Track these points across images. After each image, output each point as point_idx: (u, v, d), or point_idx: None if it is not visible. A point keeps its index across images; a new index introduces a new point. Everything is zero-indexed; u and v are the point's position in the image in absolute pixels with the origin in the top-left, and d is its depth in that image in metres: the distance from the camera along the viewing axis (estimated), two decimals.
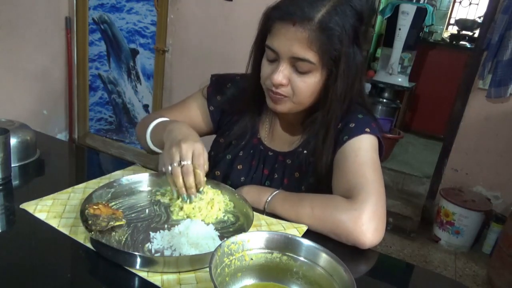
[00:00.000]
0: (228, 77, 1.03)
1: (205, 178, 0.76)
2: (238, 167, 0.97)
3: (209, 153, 1.04)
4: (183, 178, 0.73)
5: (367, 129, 0.85)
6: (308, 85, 0.81)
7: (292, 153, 0.95)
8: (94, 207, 0.68)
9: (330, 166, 0.88)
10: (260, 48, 0.86)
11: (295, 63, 0.78)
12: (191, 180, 0.73)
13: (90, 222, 0.66)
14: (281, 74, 0.79)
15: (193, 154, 0.74)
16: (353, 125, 0.86)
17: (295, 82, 0.81)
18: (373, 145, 0.85)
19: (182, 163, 0.73)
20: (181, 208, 0.77)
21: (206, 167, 0.75)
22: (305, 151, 0.92)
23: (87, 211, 0.67)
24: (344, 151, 0.84)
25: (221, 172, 0.98)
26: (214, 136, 1.07)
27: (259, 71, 0.86)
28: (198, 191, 0.76)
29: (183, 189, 0.74)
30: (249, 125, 0.97)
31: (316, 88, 0.82)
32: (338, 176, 0.84)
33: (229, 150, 0.99)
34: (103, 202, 0.72)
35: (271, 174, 0.96)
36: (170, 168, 0.73)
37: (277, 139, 0.98)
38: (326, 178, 0.88)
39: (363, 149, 0.83)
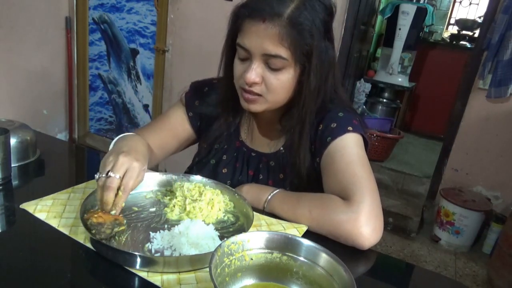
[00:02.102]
0: (206, 81, 1.03)
1: (123, 204, 0.69)
2: (223, 171, 0.97)
3: (194, 159, 1.04)
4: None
5: (350, 128, 0.85)
6: (281, 82, 0.80)
7: (274, 155, 0.95)
8: (95, 215, 0.67)
9: (310, 166, 0.88)
10: (231, 48, 0.85)
11: (268, 60, 0.78)
12: (108, 197, 0.67)
13: (94, 231, 0.65)
14: (254, 72, 0.79)
15: (126, 171, 0.69)
16: (335, 125, 0.86)
17: (268, 80, 0.80)
18: (357, 142, 0.85)
19: (110, 174, 0.68)
20: (173, 209, 0.78)
21: (130, 190, 0.69)
22: (286, 153, 0.92)
23: (90, 221, 0.66)
24: (330, 152, 0.84)
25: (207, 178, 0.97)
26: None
27: (231, 72, 0.86)
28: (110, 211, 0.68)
29: (99, 202, 0.68)
30: (225, 127, 0.97)
31: (290, 84, 0.82)
32: (328, 178, 0.83)
33: (212, 154, 0.99)
34: (97, 210, 0.69)
35: (256, 175, 0.96)
36: (96, 176, 0.69)
37: (257, 139, 0.98)
38: (308, 178, 0.88)
39: (348, 147, 0.83)
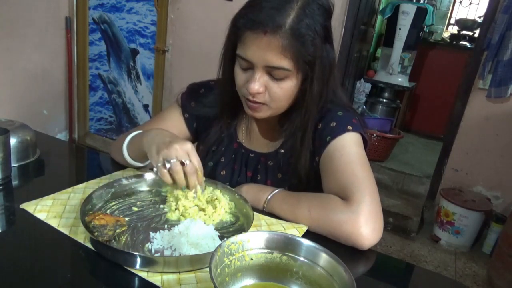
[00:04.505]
0: (203, 83, 1.03)
1: (204, 178, 0.78)
2: (222, 173, 0.97)
3: None
4: (186, 176, 0.74)
5: (349, 127, 0.85)
6: (285, 90, 0.80)
7: (272, 154, 0.95)
8: (97, 217, 0.67)
9: (310, 168, 0.88)
10: (231, 56, 0.84)
11: (271, 71, 0.78)
12: (194, 179, 0.74)
13: (96, 233, 0.65)
14: (258, 83, 0.78)
15: (188, 155, 0.74)
16: (334, 124, 0.85)
17: (272, 89, 0.80)
18: (356, 141, 0.85)
19: (184, 161, 0.73)
20: (176, 208, 0.78)
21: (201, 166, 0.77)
22: (284, 152, 0.92)
23: (92, 223, 0.66)
24: (329, 152, 0.84)
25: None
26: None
27: (231, 77, 0.85)
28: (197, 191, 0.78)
29: (184, 184, 0.75)
30: (225, 129, 0.97)
31: (293, 92, 0.82)
32: (327, 178, 0.83)
33: (210, 157, 0.99)
34: (98, 212, 0.71)
35: (254, 176, 0.96)
36: (168, 165, 0.72)
37: (256, 140, 0.98)
38: (307, 180, 0.88)
39: (347, 146, 0.83)
